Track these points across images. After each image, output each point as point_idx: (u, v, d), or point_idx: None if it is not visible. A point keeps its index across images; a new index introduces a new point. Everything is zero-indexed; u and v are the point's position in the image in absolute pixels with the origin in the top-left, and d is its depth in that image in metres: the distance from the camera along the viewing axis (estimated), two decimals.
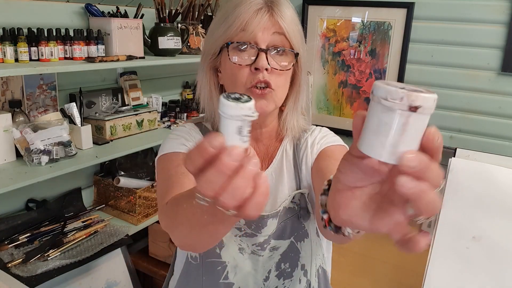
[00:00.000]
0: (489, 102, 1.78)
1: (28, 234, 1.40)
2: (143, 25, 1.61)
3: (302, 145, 0.87)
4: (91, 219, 1.58)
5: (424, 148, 0.35)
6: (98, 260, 1.48)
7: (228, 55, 0.75)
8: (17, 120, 1.37)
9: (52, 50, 1.33)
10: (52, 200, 1.58)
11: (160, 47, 1.68)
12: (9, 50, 1.23)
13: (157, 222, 1.68)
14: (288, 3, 0.77)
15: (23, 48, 1.26)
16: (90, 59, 1.38)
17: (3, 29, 1.25)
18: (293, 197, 0.83)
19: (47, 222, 1.49)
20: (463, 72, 1.81)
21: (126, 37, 1.53)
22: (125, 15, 1.64)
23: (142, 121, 1.74)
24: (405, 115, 0.34)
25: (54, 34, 1.35)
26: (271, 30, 0.73)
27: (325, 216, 0.52)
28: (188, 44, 1.85)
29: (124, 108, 1.73)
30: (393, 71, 1.94)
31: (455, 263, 0.97)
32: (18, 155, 1.36)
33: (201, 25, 1.92)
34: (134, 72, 1.85)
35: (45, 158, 1.34)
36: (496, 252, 0.94)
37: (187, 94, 2.13)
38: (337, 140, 0.86)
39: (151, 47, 1.68)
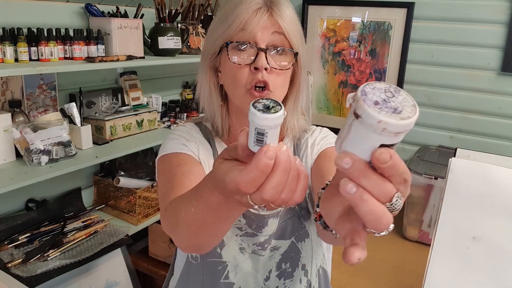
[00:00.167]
0: (489, 102, 1.78)
1: (28, 234, 1.40)
2: (143, 25, 1.61)
3: (302, 145, 0.87)
4: (91, 219, 1.58)
5: (374, 165, 0.35)
6: (98, 260, 1.47)
7: (228, 54, 0.75)
8: (17, 120, 1.37)
9: (52, 50, 1.33)
10: (52, 200, 1.58)
11: (160, 47, 1.67)
12: (9, 50, 1.23)
13: (157, 222, 1.68)
14: (288, 2, 0.77)
15: (23, 48, 1.26)
16: (90, 59, 1.38)
17: (3, 29, 1.25)
18: None
19: (47, 222, 1.49)
20: (463, 72, 1.81)
21: (126, 37, 1.53)
22: (125, 15, 1.64)
23: (142, 121, 1.73)
24: (352, 118, 0.35)
25: (54, 34, 1.35)
26: (270, 29, 0.73)
27: (318, 210, 0.53)
28: (188, 44, 1.85)
29: (124, 108, 1.73)
30: (393, 71, 1.94)
31: (455, 263, 0.97)
32: (18, 155, 1.35)
33: (201, 25, 1.92)
34: (134, 72, 1.84)
35: (45, 158, 1.34)
36: (497, 252, 0.94)
37: (187, 94, 2.13)
38: None
39: (151, 47, 1.68)
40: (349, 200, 0.36)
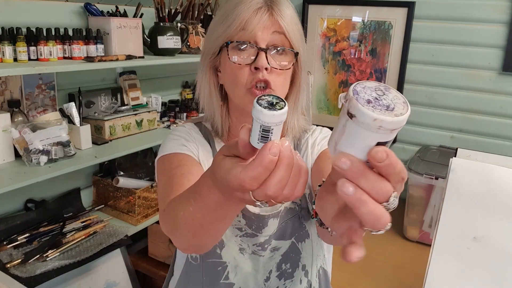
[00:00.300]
0: (490, 102, 1.77)
1: (27, 235, 1.40)
2: (142, 25, 1.60)
3: (302, 145, 0.87)
4: (90, 219, 1.57)
5: (371, 164, 0.35)
6: (98, 261, 1.47)
7: (228, 54, 0.74)
8: (16, 120, 1.36)
9: (51, 50, 1.32)
10: (51, 200, 1.58)
11: (159, 46, 1.67)
12: (8, 49, 1.23)
13: (157, 222, 1.68)
14: (288, 2, 0.77)
15: (22, 47, 1.25)
16: (89, 59, 1.37)
17: (2, 28, 1.24)
18: None
19: (46, 223, 1.49)
20: (464, 72, 1.80)
21: (125, 37, 1.52)
22: (125, 15, 1.63)
23: (142, 121, 1.73)
24: (345, 118, 0.35)
25: (53, 33, 1.34)
26: (270, 29, 0.73)
27: (314, 207, 0.53)
28: (188, 43, 1.84)
29: (124, 108, 1.73)
30: (394, 71, 1.93)
31: (456, 263, 0.96)
32: (17, 155, 1.35)
33: (200, 24, 1.91)
34: (134, 71, 1.84)
35: (44, 158, 1.33)
36: (498, 253, 0.94)
37: (187, 94, 2.12)
38: None
39: (151, 46, 1.68)
40: (347, 201, 0.35)
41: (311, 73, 2.10)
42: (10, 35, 1.25)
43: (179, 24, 1.81)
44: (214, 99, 0.82)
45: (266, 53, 0.72)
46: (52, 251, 1.36)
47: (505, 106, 1.75)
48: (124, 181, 1.61)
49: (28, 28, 1.32)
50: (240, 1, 0.74)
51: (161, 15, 1.70)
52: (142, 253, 1.77)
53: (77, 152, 1.45)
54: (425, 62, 1.87)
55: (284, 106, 0.39)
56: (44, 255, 1.33)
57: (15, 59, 1.26)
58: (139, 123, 1.72)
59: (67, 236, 1.43)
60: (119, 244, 1.50)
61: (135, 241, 1.78)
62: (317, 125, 0.92)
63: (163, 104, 1.95)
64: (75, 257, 1.37)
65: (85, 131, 1.50)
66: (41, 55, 1.30)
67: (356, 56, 2.02)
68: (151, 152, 1.88)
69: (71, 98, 1.57)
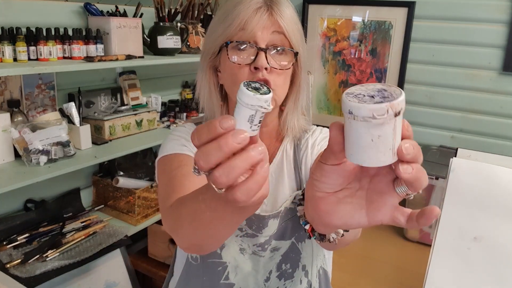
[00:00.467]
0: (490, 101, 1.77)
1: (27, 235, 1.39)
2: (142, 25, 1.60)
3: (302, 145, 0.87)
4: (90, 219, 1.57)
5: (403, 137, 0.39)
6: (97, 261, 1.47)
7: (228, 54, 0.74)
8: (15, 120, 1.36)
9: (51, 50, 1.32)
10: (51, 200, 1.58)
11: (159, 46, 1.67)
12: (7, 49, 1.23)
13: (157, 222, 1.68)
14: (288, 2, 0.77)
15: (21, 47, 1.25)
16: (89, 59, 1.37)
17: (2, 28, 1.24)
18: (294, 198, 0.83)
19: (46, 223, 1.49)
20: (464, 72, 1.80)
21: (125, 37, 1.52)
22: (124, 14, 1.63)
23: (141, 121, 1.73)
24: (393, 122, 0.37)
25: (53, 33, 1.34)
26: (270, 29, 0.73)
27: (307, 227, 0.56)
28: (188, 43, 1.84)
29: (123, 108, 1.73)
30: (394, 71, 1.93)
31: (456, 264, 0.96)
32: (17, 155, 1.35)
33: (200, 24, 1.91)
34: (133, 71, 1.84)
35: (43, 158, 1.33)
36: (498, 253, 0.93)
37: (187, 94, 2.12)
38: None
39: (151, 46, 1.68)
40: (409, 178, 0.39)
41: (311, 73, 2.10)
42: (9, 35, 1.25)
43: (179, 24, 1.80)
44: (214, 99, 0.82)
45: (265, 53, 0.72)
46: (52, 251, 1.35)
47: (505, 106, 1.74)
48: (124, 181, 1.61)
49: (27, 28, 1.32)
50: (240, 1, 0.74)
51: (161, 15, 1.70)
52: (142, 253, 1.76)
53: (76, 152, 1.45)
54: (425, 62, 1.87)
55: (259, 91, 0.39)
56: (44, 255, 1.33)
57: (15, 59, 1.26)
58: (139, 123, 1.72)
59: (66, 236, 1.43)
60: (119, 244, 1.50)
61: (135, 241, 1.77)
62: (317, 125, 0.92)
63: (163, 104, 1.95)
64: (75, 257, 1.37)
65: (85, 131, 1.50)
66: (40, 55, 1.30)
67: (356, 56, 2.02)
68: (151, 152, 1.87)
69: (71, 98, 1.57)
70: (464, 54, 1.78)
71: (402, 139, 0.39)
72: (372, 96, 0.37)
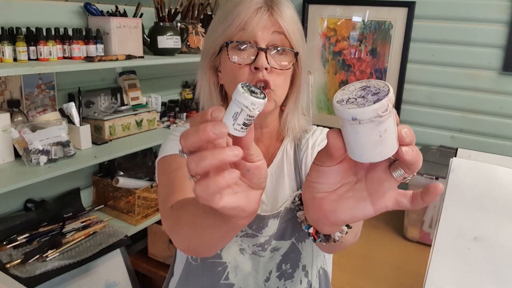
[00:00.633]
0: (490, 101, 1.77)
1: (27, 235, 1.39)
2: (142, 25, 1.60)
3: (303, 145, 0.87)
4: (90, 219, 1.57)
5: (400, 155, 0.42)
6: (97, 261, 1.47)
7: (228, 54, 0.74)
8: (15, 120, 1.36)
9: (51, 50, 1.32)
10: (51, 200, 1.58)
11: (159, 46, 1.67)
12: (7, 49, 1.23)
13: (157, 222, 1.68)
14: (288, 2, 0.76)
15: (21, 47, 1.25)
16: (89, 59, 1.37)
17: (2, 28, 1.24)
18: (294, 198, 0.83)
19: (46, 223, 1.49)
20: (464, 72, 1.80)
21: (125, 37, 1.52)
22: (124, 14, 1.63)
23: (141, 121, 1.73)
24: (393, 113, 0.40)
25: (53, 33, 1.34)
26: (270, 29, 0.73)
27: (311, 230, 0.57)
28: (188, 43, 1.84)
29: (123, 108, 1.73)
30: (394, 71, 1.93)
31: (456, 264, 0.96)
32: (17, 155, 1.35)
33: (200, 24, 1.91)
34: (133, 71, 1.84)
35: (43, 158, 1.33)
36: (498, 253, 0.93)
37: (187, 94, 2.12)
38: None
39: (151, 46, 1.68)
40: (409, 160, 0.42)
41: (311, 73, 2.10)
42: (9, 35, 1.25)
43: (179, 24, 1.80)
44: (214, 99, 0.82)
45: (266, 53, 0.72)
46: (52, 251, 1.35)
47: (505, 106, 1.74)
48: (124, 181, 1.61)
49: (27, 28, 1.32)
50: (240, 1, 0.74)
51: (161, 15, 1.70)
52: (142, 253, 1.76)
53: (76, 152, 1.45)
54: (425, 62, 1.87)
55: (252, 94, 0.40)
56: (44, 255, 1.33)
57: (15, 59, 1.26)
58: (139, 123, 1.72)
59: (66, 236, 1.43)
60: (118, 244, 1.50)
61: (135, 241, 1.77)
62: (317, 125, 0.92)
63: (163, 104, 1.95)
64: (75, 257, 1.37)
65: (85, 131, 1.50)
66: (40, 55, 1.30)
67: (356, 56, 2.02)
68: (151, 152, 1.87)
69: (70, 98, 1.57)
70: (464, 54, 1.78)
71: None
72: (363, 97, 0.39)
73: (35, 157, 1.32)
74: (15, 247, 1.35)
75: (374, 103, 0.38)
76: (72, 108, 1.45)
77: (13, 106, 1.37)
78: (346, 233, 0.58)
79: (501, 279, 0.91)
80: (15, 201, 1.48)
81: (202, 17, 1.94)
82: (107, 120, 1.58)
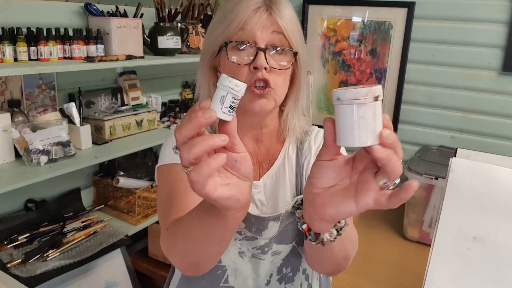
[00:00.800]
0: (490, 102, 1.77)
1: (27, 235, 1.40)
2: (142, 25, 1.60)
3: (305, 150, 0.86)
4: (90, 219, 1.57)
5: (384, 127, 0.46)
6: (98, 261, 1.47)
7: (227, 54, 0.74)
8: (16, 120, 1.36)
9: (51, 50, 1.32)
10: (51, 200, 1.58)
11: (159, 46, 1.67)
12: (8, 49, 1.23)
13: (157, 222, 1.68)
14: (287, 2, 0.77)
15: (22, 47, 1.25)
16: (89, 59, 1.37)
17: (2, 28, 1.24)
18: (296, 202, 0.82)
19: (46, 223, 1.49)
20: (464, 72, 1.80)
21: (125, 37, 1.52)
22: (125, 15, 1.63)
23: (142, 121, 1.73)
24: (373, 105, 0.44)
25: (53, 33, 1.34)
26: (270, 29, 0.73)
27: (304, 226, 0.60)
28: (188, 43, 1.84)
29: (124, 108, 1.73)
30: (394, 71, 1.93)
31: (456, 263, 0.96)
32: (17, 155, 1.35)
33: (200, 24, 1.92)
34: (134, 71, 1.84)
35: (44, 158, 1.33)
36: (498, 253, 0.93)
37: (187, 94, 2.12)
38: None
39: (151, 46, 1.68)
40: (380, 158, 0.45)
41: (311, 73, 2.10)
42: (10, 35, 1.25)
43: (179, 24, 1.81)
44: None
45: (265, 53, 0.72)
46: (52, 251, 1.36)
47: (505, 106, 1.75)
48: (124, 181, 1.61)
49: (28, 28, 1.32)
50: (240, 1, 0.74)
51: (161, 15, 1.70)
52: (142, 253, 1.77)
53: (77, 152, 1.45)
54: (425, 62, 1.87)
55: (238, 82, 0.45)
56: (44, 255, 1.33)
57: (15, 59, 1.26)
58: (139, 123, 1.72)
59: (67, 236, 1.44)
60: (119, 244, 1.50)
61: (135, 241, 1.78)
62: (318, 126, 0.92)
63: (163, 104, 1.95)
64: (75, 257, 1.37)
65: (85, 131, 1.50)
66: (41, 55, 1.31)
67: (356, 56, 2.02)
68: (151, 152, 1.88)
69: (71, 98, 1.57)
70: (464, 54, 1.78)
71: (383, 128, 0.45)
72: (355, 88, 0.45)
73: (36, 157, 1.32)
74: (15, 247, 1.36)
75: (356, 88, 0.44)
76: (72, 108, 1.46)
77: (13, 106, 1.37)
78: (335, 238, 0.59)
79: (501, 279, 0.91)
80: (15, 201, 1.48)
81: (202, 17, 1.95)
82: (107, 120, 1.58)
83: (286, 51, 0.75)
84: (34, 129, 1.34)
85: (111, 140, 1.60)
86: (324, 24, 2.06)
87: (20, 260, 1.30)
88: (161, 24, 1.69)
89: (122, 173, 1.69)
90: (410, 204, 1.58)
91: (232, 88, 0.44)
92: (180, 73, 2.10)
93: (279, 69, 0.74)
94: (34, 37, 1.30)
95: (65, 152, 1.40)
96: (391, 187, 0.48)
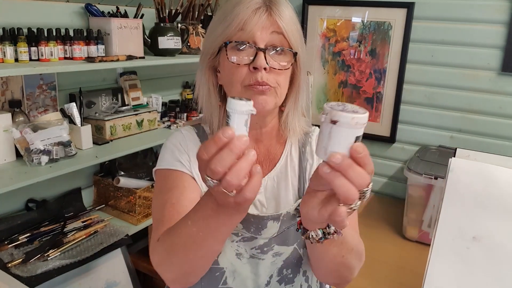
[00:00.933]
0: (489, 102, 1.77)
1: (28, 234, 1.40)
2: (143, 25, 1.61)
3: (307, 154, 0.87)
4: (91, 219, 1.58)
5: (351, 156, 0.47)
6: (98, 260, 1.47)
7: (227, 54, 0.74)
8: (17, 120, 1.37)
9: (52, 50, 1.33)
10: (52, 200, 1.58)
11: (160, 47, 1.68)
12: (9, 50, 1.23)
13: None
14: (287, 2, 0.77)
15: (23, 48, 1.26)
16: (90, 59, 1.38)
17: (3, 29, 1.25)
18: (298, 205, 0.83)
19: (47, 222, 1.49)
20: (463, 72, 1.81)
21: (126, 37, 1.53)
22: (125, 15, 1.64)
23: (142, 121, 1.74)
24: (329, 126, 0.47)
25: (54, 34, 1.35)
26: (269, 29, 0.73)
27: (298, 219, 0.64)
28: (188, 44, 1.85)
29: (124, 108, 1.73)
30: (393, 71, 1.94)
31: (455, 263, 0.96)
32: (18, 155, 1.36)
33: (201, 25, 1.92)
34: (134, 72, 1.85)
35: (45, 158, 1.34)
36: (497, 253, 0.94)
37: (187, 94, 2.13)
38: None
39: (151, 47, 1.68)
40: (325, 178, 0.47)
41: (310, 73, 2.11)
42: (11, 36, 1.25)
43: (179, 25, 1.81)
44: (213, 99, 0.82)
45: (264, 53, 0.72)
46: (53, 250, 1.36)
47: (504, 106, 1.75)
48: (125, 181, 1.61)
49: (29, 29, 1.33)
50: (239, 1, 0.74)
51: (161, 16, 1.70)
52: (142, 252, 1.77)
53: (78, 152, 1.45)
54: (424, 62, 1.88)
55: (248, 102, 0.48)
56: (45, 254, 1.34)
57: (16, 60, 1.26)
58: (139, 123, 1.73)
59: (67, 236, 1.44)
60: (119, 244, 1.51)
61: (135, 240, 1.78)
62: (318, 126, 0.92)
63: (164, 104, 1.96)
64: (76, 257, 1.37)
65: (86, 131, 1.50)
66: (42, 55, 1.31)
67: (355, 57, 2.02)
68: (151, 152, 1.88)
69: (72, 98, 1.57)
70: (463, 55, 1.79)
71: (351, 157, 0.47)
72: (344, 107, 0.48)
73: (37, 157, 1.33)
74: (16, 247, 1.36)
75: (326, 106, 0.47)
76: (73, 108, 1.46)
77: (14, 106, 1.37)
78: (320, 239, 0.61)
79: (500, 278, 0.92)
80: (16, 200, 1.48)
81: (202, 17, 1.95)
82: (108, 120, 1.59)
83: (285, 52, 0.75)
84: (35, 129, 1.34)
85: (111, 140, 1.60)
86: (324, 24, 2.07)
87: (20, 259, 1.30)
88: (162, 24, 1.69)
89: (122, 173, 1.70)
90: (409, 204, 1.58)
91: (251, 110, 0.48)
92: (180, 74, 2.10)
93: (279, 69, 0.74)
94: (35, 37, 1.30)
95: (66, 152, 1.40)
96: (354, 207, 0.50)
